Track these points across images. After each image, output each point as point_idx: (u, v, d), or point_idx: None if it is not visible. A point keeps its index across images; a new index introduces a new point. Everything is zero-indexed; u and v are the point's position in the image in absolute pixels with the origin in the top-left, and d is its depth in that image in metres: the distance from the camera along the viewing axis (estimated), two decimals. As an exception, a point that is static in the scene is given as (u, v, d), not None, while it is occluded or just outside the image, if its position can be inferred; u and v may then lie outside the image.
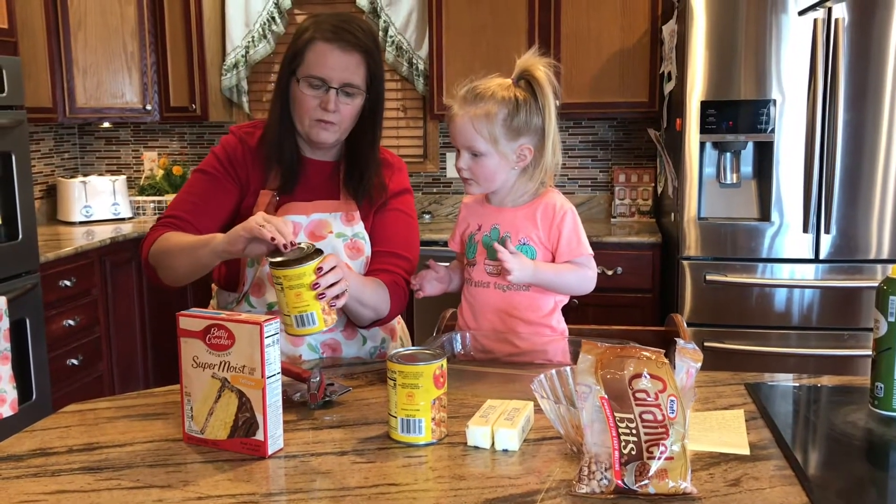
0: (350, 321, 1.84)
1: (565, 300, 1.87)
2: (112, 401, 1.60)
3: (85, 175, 4.34)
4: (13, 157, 3.02)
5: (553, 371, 1.34)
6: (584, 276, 1.79)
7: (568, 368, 1.34)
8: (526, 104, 1.71)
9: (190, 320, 1.33)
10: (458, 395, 1.52)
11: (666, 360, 1.15)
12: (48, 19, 3.74)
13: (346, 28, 1.72)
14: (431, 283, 1.87)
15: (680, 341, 1.20)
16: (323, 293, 1.45)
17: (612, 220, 4.11)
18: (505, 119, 1.70)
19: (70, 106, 3.89)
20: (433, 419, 1.33)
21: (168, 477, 1.23)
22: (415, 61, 4.12)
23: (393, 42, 4.12)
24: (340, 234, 1.84)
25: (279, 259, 1.45)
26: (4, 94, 2.99)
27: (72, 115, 3.91)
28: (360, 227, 1.86)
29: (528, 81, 1.73)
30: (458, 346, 1.75)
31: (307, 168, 1.85)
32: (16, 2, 3.19)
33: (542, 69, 1.71)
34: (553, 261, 1.79)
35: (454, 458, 1.28)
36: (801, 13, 3.09)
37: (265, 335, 1.27)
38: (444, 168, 4.28)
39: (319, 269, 1.45)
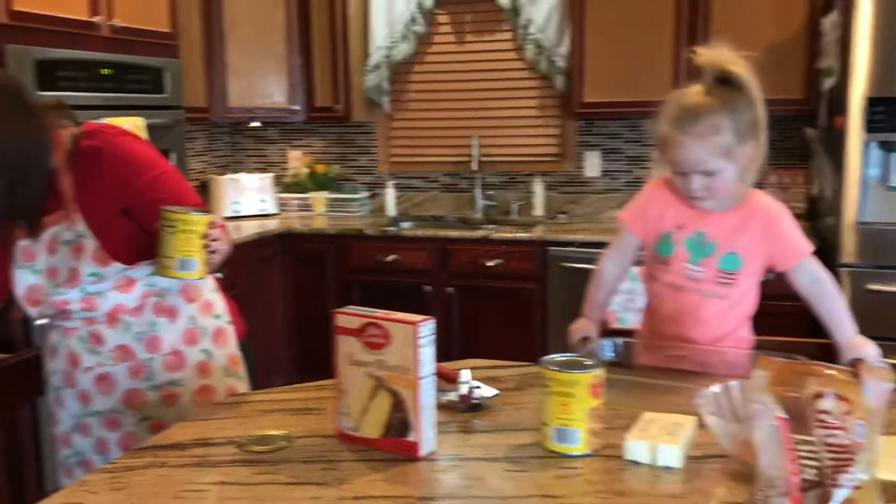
0: None
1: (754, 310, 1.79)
2: (266, 394, 1.64)
3: (235, 172, 4.53)
4: (172, 155, 3.18)
5: (720, 385, 1.27)
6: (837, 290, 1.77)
7: (736, 383, 1.26)
8: (741, 103, 1.63)
9: (347, 318, 1.34)
10: (611, 405, 1.46)
11: (854, 380, 1.05)
12: (205, 23, 3.93)
13: None
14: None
15: (868, 358, 1.10)
16: (209, 244, 1.60)
17: (761, 223, 3.90)
18: (732, 126, 1.62)
19: (223, 106, 4.06)
20: (589, 430, 1.28)
21: (323, 474, 1.24)
22: (554, 59, 4.06)
23: (533, 40, 4.07)
24: (66, 240, 1.73)
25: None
26: (166, 95, 3.15)
27: (224, 115, 4.09)
28: (80, 227, 1.72)
29: (726, 80, 1.64)
30: (610, 354, 1.69)
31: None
32: (178, 7, 3.36)
33: (740, 63, 1.63)
34: (767, 268, 1.72)
35: (611, 472, 1.23)
36: None
37: (420, 335, 1.27)
38: (581, 167, 4.19)
39: (213, 223, 1.62)
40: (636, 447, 1.25)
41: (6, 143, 1.62)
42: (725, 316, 1.73)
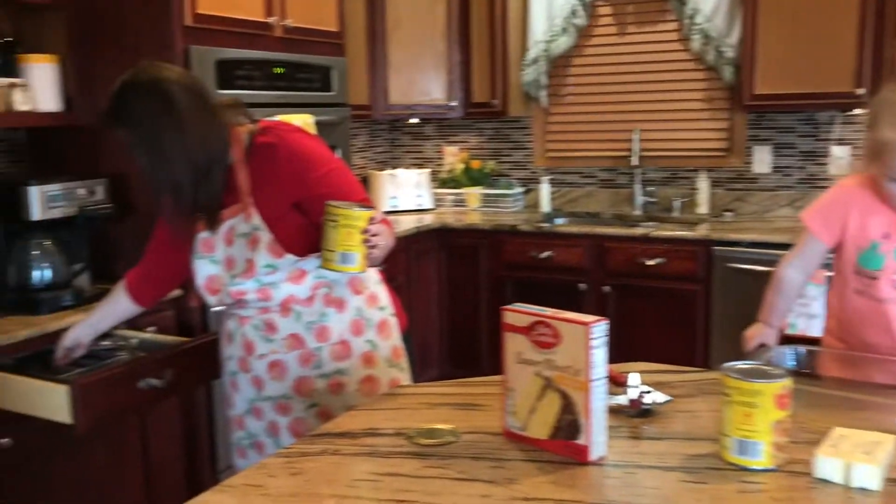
0: None
1: None
2: (431, 387, 1.66)
3: (393, 168, 4.63)
4: (337, 151, 3.28)
5: (927, 403, 1.15)
6: None
7: (946, 401, 1.15)
8: None
9: (515, 316, 1.32)
10: (794, 418, 1.36)
11: None
12: (369, 22, 4.03)
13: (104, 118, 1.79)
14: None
15: None
16: (368, 239, 1.62)
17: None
18: None
19: (384, 103, 4.16)
20: (773, 443, 1.20)
21: (492, 472, 1.23)
22: (722, 49, 3.87)
23: (700, 30, 3.90)
24: (243, 233, 1.80)
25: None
26: (333, 93, 3.25)
27: (385, 112, 4.19)
28: (256, 220, 1.79)
29: None
30: (791, 362, 1.58)
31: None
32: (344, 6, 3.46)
33: None
34: None
35: (798, 490, 1.15)
36: None
37: (593, 336, 1.23)
38: (750, 163, 3.98)
39: (372, 219, 1.64)
40: (827, 465, 1.16)
41: (192, 141, 1.72)
42: None
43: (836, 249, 1.69)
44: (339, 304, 1.86)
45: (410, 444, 1.34)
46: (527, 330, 1.30)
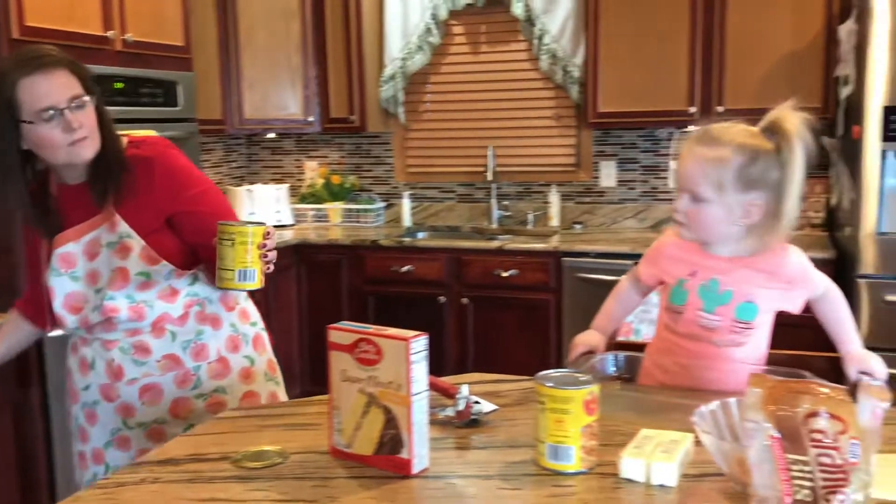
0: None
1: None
2: (267, 408, 1.65)
3: (251, 183, 4.56)
4: (186, 168, 3.21)
5: (716, 402, 1.24)
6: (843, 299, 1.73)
7: (733, 400, 1.24)
8: (767, 156, 1.54)
9: (340, 333, 1.33)
10: (610, 421, 1.44)
11: (847, 398, 1.03)
12: (221, 36, 3.96)
13: (38, 54, 1.68)
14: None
15: (865, 377, 1.08)
16: (266, 254, 1.60)
17: (779, 233, 3.84)
18: (739, 167, 1.54)
19: (239, 118, 4.10)
20: (583, 447, 1.27)
21: (314, 491, 1.24)
22: (569, 69, 4.04)
23: (548, 50, 4.06)
24: (109, 242, 1.76)
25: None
26: (179, 108, 3.18)
27: (240, 127, 4.12)
28: (123, 228, 1.74)
29: (774, 133, 1.56)
30: (611, 369, 1.67)
31: (65, 202, 1.78)
32: (191, 20, 3.39)
33: (793, 121, 1.53)
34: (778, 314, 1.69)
35: (605, 491, 1.21)
36: None
37: (412, 352, 1.26)
38: (598, 177, 4.17)
39: (268, 233, 1.60)
40: (631, 465, 1.23)
41: None
42: (746, 357, 1.65)
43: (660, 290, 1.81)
44: (214, 322, 1.83)
45: (236, 468, 1.32)
46: (350, 348, 1.32)
